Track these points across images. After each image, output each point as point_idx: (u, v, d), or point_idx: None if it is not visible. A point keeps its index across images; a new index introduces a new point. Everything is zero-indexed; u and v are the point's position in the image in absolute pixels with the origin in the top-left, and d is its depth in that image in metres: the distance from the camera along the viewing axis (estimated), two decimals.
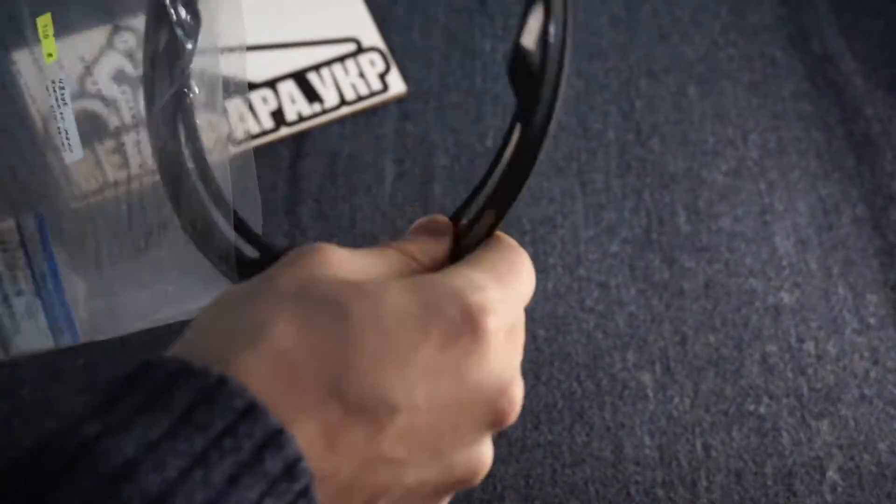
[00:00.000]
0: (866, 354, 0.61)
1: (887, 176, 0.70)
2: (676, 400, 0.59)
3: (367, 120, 0.72)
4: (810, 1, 0.81)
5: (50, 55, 0.45)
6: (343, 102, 0.72)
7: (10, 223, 0.51)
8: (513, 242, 0.35)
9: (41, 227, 0.51)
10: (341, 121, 0.72)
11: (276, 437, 0.26)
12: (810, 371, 0.61)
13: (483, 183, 0.37)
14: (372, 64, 0.74)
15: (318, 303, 0.29)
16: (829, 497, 0.56)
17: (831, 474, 0.56)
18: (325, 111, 0.72)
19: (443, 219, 0.36)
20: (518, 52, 0.36)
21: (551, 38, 0.35)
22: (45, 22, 0.44)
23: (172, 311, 0.50)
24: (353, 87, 0.73)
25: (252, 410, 0.27)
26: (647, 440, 0.57)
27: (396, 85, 0.73)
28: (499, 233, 0.35)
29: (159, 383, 0.27)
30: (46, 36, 0.45)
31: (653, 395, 0.59)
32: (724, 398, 0.59)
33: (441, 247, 0.35)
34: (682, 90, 0.75)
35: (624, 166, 0.70)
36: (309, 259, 0.31)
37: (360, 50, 0.74)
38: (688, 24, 0.79)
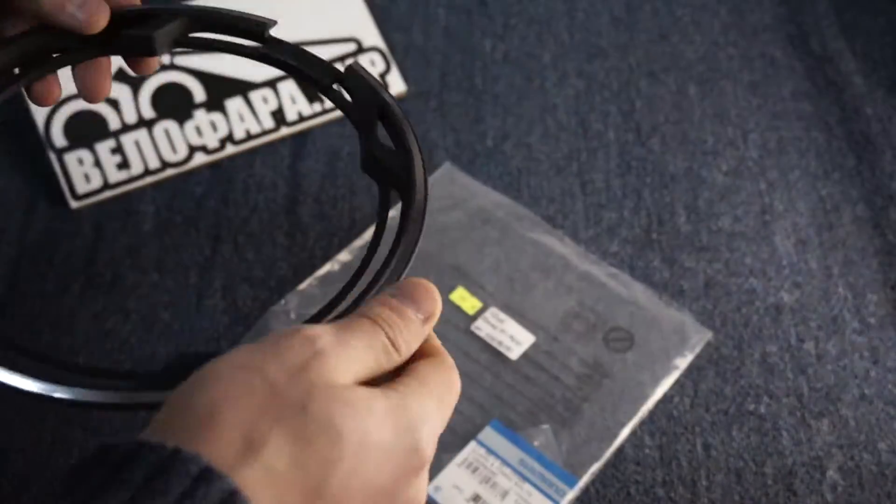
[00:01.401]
0: (866, 354, 0.61)
1: (887, 176, 0.70)
2: (676, 400, 0.59)
3: None
4: (810, 1, 0.81)
5: None
6: None
7: (470, 447, 0.56)
8: (452, 364, 0.37)
9: (501, 430, 0.57)
10: (341, 121, 0.72)
11: (232, 498, 0.28)
12: (810, 371, 0.61)
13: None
14: (372, 63, 0.74)
15: (317, 424, 0.31)
16: (829, 496, 0.56)
17: (831, 474, 0.56)
18: (325, 111, 0.72)
19: (434, 293, 0.37)
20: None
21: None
22: None
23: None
24: None
25: (208, 474, 0.28)
26: (647, 440, 0.57)
27: (396, 85, 0.73)
28: (443, 352, 0.37)
29: (116, 462, 0.29)
30: None
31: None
32: (724, 398, 0.59)
33: (423, 334, 0.36)
34: (682, 90, 0.75)
35: (624, 166, 0.70)
36: (305, 359, 0.32)
37: (361, 50, 0.74)
38: (688, 24, 0.79)
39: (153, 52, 0.45)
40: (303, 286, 0.62)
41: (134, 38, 0.45)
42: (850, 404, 0.59)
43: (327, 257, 0.64)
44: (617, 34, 0.78)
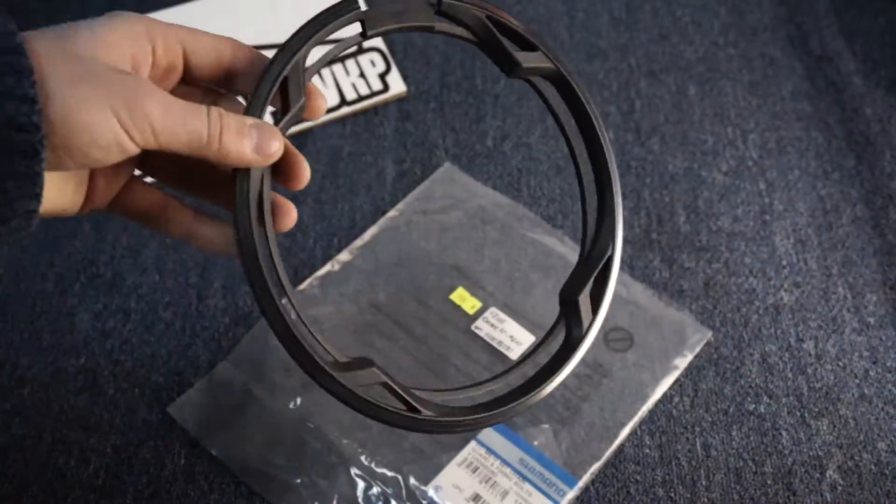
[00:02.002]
0: (865, 354, 0.61)
1: (886, 176, 0.70)
2: (676, 400, 0.59)
3: (368, 120, 0.72)
4: (810, 1, 0.81)
5: None
6: (343, 102, 0.72)
7: (470, 446, 0.56)
8: None
9: (501, 430, 0.57)
10: (342, 120, 0.72)
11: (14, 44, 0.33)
12: (810, 370, 0.61)
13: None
14: (372, 64, 0.74)
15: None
16: (828, 496, 0.56)
17: (831, 473, 0.56)
18: (325, 111, 0.72)
19: (278, 137, 0.40)
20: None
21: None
22: None
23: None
24: (354, 86, 0.73)
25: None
26: (647, 440, 0.57)
27: (396, 85, 0.73)
28: None
29: None
30: None
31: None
32: (723, 398, 0.59)
33: (248, 158, 0.40)
34: (682, 90, 0.75)
35: (624, 166, 0.70)
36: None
37: (361, 50, 0.74)
38: (688, 24, 0.79)
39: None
40: (303, 286, 0.62)
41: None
42: (850, 404, 0.59)
43: (327, 257, 0.64)
44: (617, 34, 0.78)
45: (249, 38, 0.73)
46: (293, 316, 0.42)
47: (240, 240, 0.40)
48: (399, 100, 0.73)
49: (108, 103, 0.35)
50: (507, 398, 0.47)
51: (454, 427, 0.45)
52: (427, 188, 0.68)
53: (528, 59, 0.47)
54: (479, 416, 0.46)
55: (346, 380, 0.42)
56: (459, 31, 0.46)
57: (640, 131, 0.72)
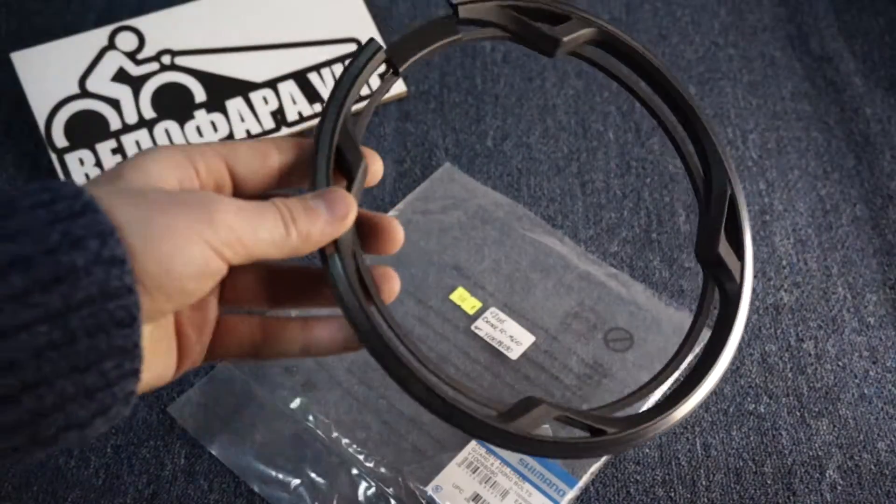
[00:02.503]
0: (865, 354, 0.62)
1: (886, 176, 0.70)
2: None
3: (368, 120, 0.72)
4: (810, 1, 0.81)
5: None
6: None
7: (470, 446, 0.56)
8: None
9: None
10: None
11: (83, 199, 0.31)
12: (809, 370, 0.61)
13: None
14: None
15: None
16: (828, 496, 0.56)
17: (830, 473, 0.56)
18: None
19: (348, 199, 0.38)
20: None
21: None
22: None
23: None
24: None
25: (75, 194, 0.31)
26: None
27: (396, 85, 0.73)
28: None
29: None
30: None
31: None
32: (723, 397, 0.59)
33: (330, 231, 0.38)
34: None
35: (624, 166, 0.70)
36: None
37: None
38: (687, 24, 0.79)
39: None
40: None
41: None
42: (849, 404, 0.59)
43: None
44: None
45: (249, 39, 0.73)
46: (439, 382, 0.38)
47: (358, 330, 0.37)
48: (399, 100, 0.73)
49: (186, 223, 0.33)
50: (696, 375, 0.44)
51: (645, 434, 0.43)
52: (427, 188, 0.68)
53: (566, 32, 0.44)
54: (676, 408, 0.43)
55: (519, 429, 0.39)
56: (488, 31, 0.44)
57: (641, 131, 0.72)
